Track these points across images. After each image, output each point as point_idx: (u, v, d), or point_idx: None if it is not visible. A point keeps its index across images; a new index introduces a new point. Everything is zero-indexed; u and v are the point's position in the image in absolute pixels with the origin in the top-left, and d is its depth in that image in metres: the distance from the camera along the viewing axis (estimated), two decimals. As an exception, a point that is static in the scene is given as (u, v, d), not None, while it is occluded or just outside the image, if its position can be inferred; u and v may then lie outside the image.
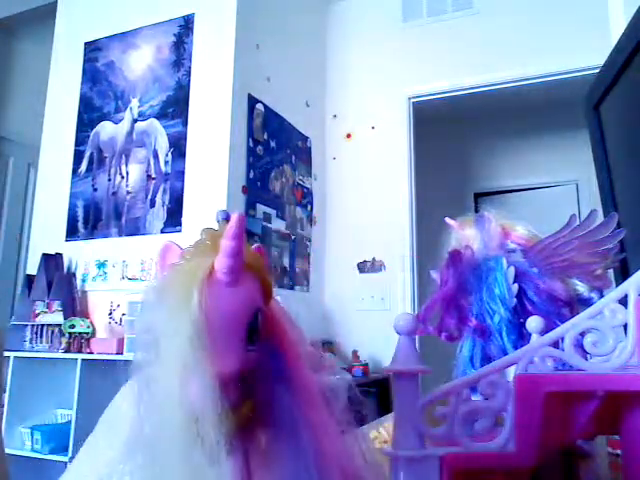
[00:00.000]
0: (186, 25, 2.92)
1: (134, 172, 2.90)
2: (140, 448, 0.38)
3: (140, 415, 0.39)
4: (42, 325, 2.68)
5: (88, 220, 2.96)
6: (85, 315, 2.74)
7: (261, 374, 0.41)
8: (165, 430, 0.36)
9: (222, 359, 0.37)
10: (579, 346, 0.37)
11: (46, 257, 2.77)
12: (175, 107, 2.85)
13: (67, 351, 2.54)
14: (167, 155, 2.82)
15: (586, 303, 0.65)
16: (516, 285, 0.66)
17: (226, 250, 0.38)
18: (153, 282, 0.42)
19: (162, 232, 2.73)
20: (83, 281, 2.86)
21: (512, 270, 0.66)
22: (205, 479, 0.36)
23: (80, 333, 2.58)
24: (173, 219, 2.72)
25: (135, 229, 2.81)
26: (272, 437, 0.41)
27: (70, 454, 2.28)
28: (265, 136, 2.99)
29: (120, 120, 3.00)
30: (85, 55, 3.21)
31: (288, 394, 0.41)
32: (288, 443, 0.40)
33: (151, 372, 0.38)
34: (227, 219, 0.44)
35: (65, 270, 2.86)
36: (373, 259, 3.39)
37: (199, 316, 0.36)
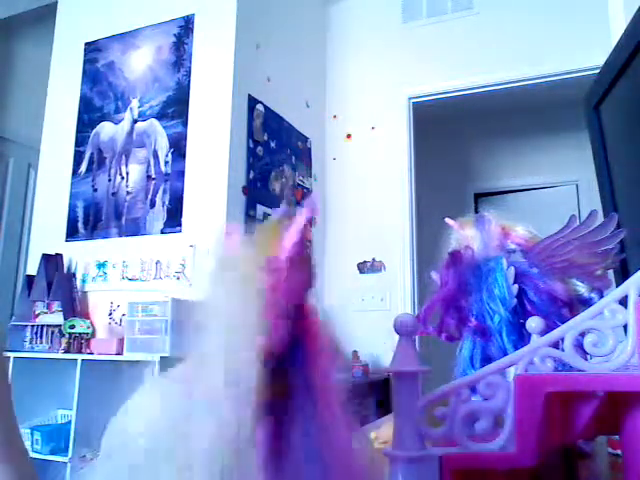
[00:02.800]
0: (186, 25, 2.92)
1: (134, 172, 2.90)
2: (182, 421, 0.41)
3: (188, 393, 0.41)
4: (42, 325, 2.68)
5: (88, 220, 2.96)
6: (85, 315, 2.74)
7: (289, 362, 0.43)
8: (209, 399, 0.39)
9: (272, 335, 0.41)
10: (579, 346, 0.37)
11: (46, 257, 2.77)
12: (175, 107, 2.85)
13: (67, 351, 2.54)
14: (167, 155, 2.81)
15: (586, 303, 0.64)
16: (516, 285, 0.66)
17: (294, 237, 0.42)
18: (217, 260, 0.45)
19: (162, 232, 2.73)
20: (83, 281, 2.86)
21: (512, 270, 0.66)
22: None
23: (80, 333, 2.58)
24: (173, 219, 2.72)
25: (135, 229, 2.81)
26: (288, 423, 0.42)
27: (70, 454, 2.28)
28: (265, 137, 2.99)
29: (120, 120, 3.00)
30: (85, 55, 3.21)
31: (307, 388, 0.42)
32: (300, 434, 0.41)
33: (206, 346, 0.41)
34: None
35: (65, 270, 2.85)
36: (373, 259, 3.39)
37: (260, 295, 0.40)
